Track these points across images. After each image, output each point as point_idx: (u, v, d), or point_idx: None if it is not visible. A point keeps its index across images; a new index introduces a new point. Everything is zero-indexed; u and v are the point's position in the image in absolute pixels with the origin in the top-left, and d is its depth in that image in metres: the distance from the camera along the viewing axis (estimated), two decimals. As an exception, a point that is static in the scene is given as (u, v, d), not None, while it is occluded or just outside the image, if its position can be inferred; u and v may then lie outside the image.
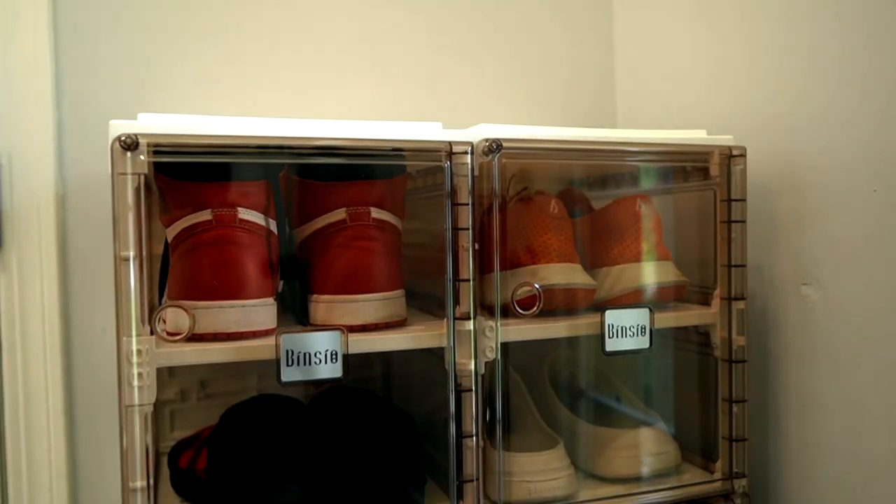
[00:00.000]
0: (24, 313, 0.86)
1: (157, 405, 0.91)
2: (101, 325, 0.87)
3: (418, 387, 0.84)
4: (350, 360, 0.63)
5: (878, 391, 0.70)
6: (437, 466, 0.72)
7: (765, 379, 0.83)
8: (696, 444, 0.82)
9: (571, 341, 0.92)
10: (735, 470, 0.76)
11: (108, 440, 0.89)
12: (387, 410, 0.80)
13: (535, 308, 0.68)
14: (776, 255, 0.82)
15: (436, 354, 0.68)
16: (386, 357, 0.95)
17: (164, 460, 0.81)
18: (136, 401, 0.58)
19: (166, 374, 0.92)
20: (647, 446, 0.78)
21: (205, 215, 0.63)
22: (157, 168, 0.65)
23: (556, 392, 0.86)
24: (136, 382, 0.58)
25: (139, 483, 0.58)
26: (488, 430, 0.69)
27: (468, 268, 0.66)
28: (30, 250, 0.86)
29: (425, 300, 0.76)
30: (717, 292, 0.77)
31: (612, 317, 0.70)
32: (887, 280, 0.69)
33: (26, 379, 0.86)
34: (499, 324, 0.68)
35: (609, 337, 0.70)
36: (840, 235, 0.74)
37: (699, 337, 0.81)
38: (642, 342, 0.71)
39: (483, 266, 0.68)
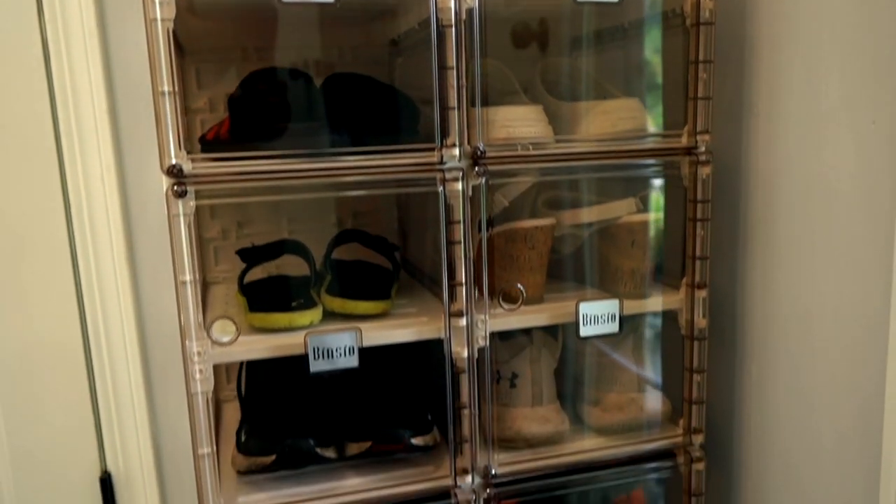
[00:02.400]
0: (65, 23, 0.96)
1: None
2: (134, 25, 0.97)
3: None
4: None
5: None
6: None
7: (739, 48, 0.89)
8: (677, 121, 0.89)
9: (562, 49, 0.99)
10: (699, 128, 0.84)
11: (149, 132, 1.01)
12: (387, 88, 0.89)
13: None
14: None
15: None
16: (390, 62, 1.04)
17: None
18: (159, 15, 0.68)
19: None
20: (622, 112, 0.86)
21: None
22: None
23: (546, 87, 0.93)
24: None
25: (166, 87, 0.69)
26: (470, 95, 0.78)
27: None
28: (66, -38, 0.95)
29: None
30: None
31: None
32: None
33: (73, 82, 0.97)
34: (477, -27, 0.75)
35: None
36: None
37: (677, 18, 0.87)
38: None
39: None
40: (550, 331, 0.91)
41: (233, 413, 0.99)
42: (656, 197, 0.88)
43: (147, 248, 1.04)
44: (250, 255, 0.91)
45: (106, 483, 1.07)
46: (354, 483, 0.82)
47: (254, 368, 0.92)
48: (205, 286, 1.04)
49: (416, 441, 0.82)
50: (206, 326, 0.74)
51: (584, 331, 0.83)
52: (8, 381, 1.02)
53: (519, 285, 0.82)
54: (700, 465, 0.91)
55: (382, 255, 0.97)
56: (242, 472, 0.82)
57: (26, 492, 1.05)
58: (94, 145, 0.99)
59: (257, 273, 0.94)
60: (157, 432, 1.08)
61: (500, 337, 0.89)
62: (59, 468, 1.06)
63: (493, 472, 0.83)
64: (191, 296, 0.73)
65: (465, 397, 0.81)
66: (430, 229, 0.94)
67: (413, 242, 1.07)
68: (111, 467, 1.07)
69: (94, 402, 1.05)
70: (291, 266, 0.97)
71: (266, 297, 0.83)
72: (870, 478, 0.77)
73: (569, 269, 0.97)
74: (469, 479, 0.83)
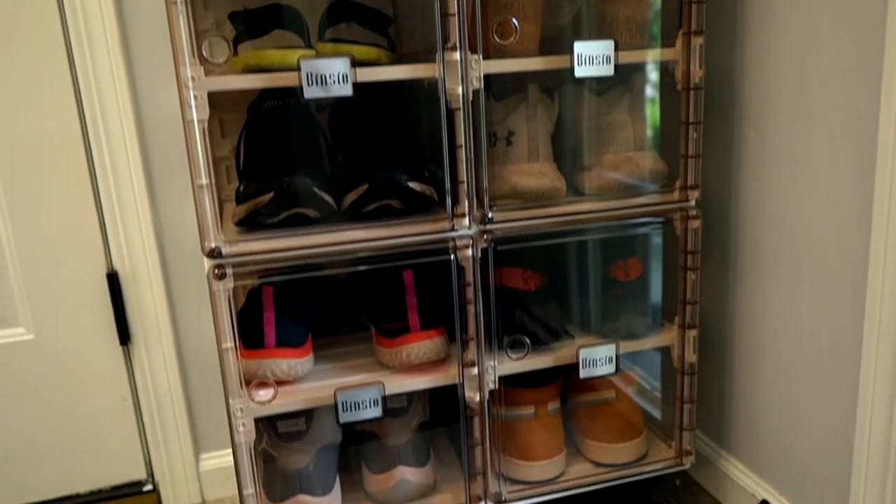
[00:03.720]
0: None
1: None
2: None
3: None
4: None
5: None
6: None
7: None
8: None
9: None
10: None
11: None
12: None
13: None
14: None
15: None
16: None
17: None
18: None
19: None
20: None
21: None
22: None
23: None
24: None
25: None
26: None
27: None
28: None
29: None
30: None
31: None
32: None
33: None
34: None
35: None
36: None
37: None
38: None
39: None
40: (547, 93, 0.91)
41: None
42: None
43: (142, 40, 1.04)
44: (242, 19, 0.90)
45: (113, 279, 1.09)
46: (353, 232, 0.83)
47: (252, 135, 0.92)
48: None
49: (412, 185, 0.83)
50: (199, 49, 0.74)
51: (579, 71, 0.82)
52: (10, 177, 1.03)
53: (514, 20, 0.81)
54: (696, 223, 0.91)
55: (376, 32, 0.96)
56: (242, 221, 0.83)
57: (36, 289, 1.07)
58: (82, -74, 0.98)
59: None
60: (161, 231, 1.09)
61: (495, 96, 0.89)
62: (67, 266, 1.08)
63: (490, 216, 0.84)
64: (182, 18, 0.72)
65: (460, 139, 0.81)
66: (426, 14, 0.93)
67: (406, 41, 1.06)
68: (117, 266, 1.09)
69: (97, 200, 1.06)
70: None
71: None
72: (862, 231, 0.77)
73: (567, 43, 0.96)
74: (466, 221, 0.84)
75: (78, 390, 1.12)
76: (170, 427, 1.16)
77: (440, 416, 1.00)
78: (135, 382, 1.14)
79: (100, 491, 1.17)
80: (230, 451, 1.20)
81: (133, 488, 1.18)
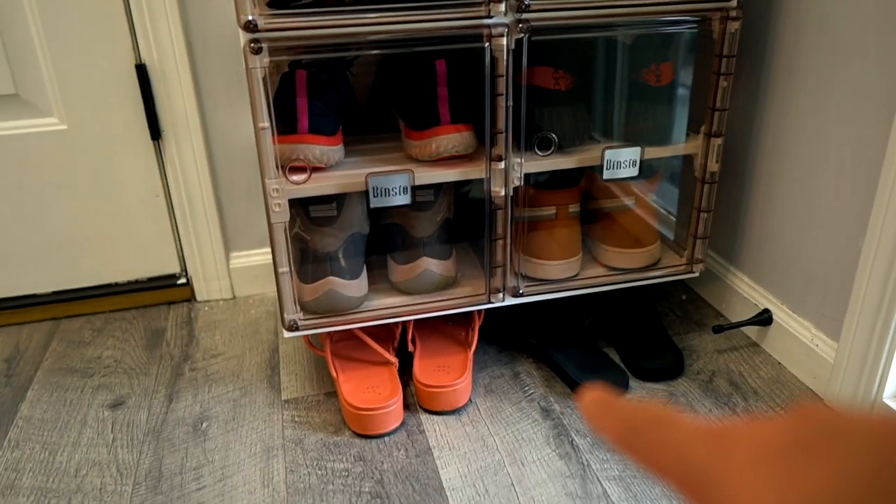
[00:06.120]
0: None
1: None
2: None
3: None
4: None
5: None
6: None
7: None
8: None
9: None
10: None
11: None
12: None
13: None
14: None
15: None
16: None
17: None
18: None
19: None
20: None
21: None
22: None
23: None
24: None
25: None
26: None
27: None
28: None
29: None
30: None
31: None
32: None
33: None
34: None
35: None
36: None
37: None
38: None
39: None
40: None
41: None
42: None
43: None
44: None
45: (142, 71, 1.09)
46: (387, 14, 0.81)
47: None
48: None
49: (448, -35, 0.81)
50: None
51: None
52: (33, -42, 1.01)
53: None
54: (735, 25, 0.89)
55: None
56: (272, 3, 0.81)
57: (67, 79, 1.08)
58: None
59: None
60: (188, 24, 1.08)
61: None
62: (96, 56, 1.07)
63: (527, 3, 0.82)
64: None
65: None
66: None
67: None
68: (146, 58, 1.08)
69: (123, -13, 1.05)
70: None
71: None
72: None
73: None
74: (502, 7, 0.82)
75: (111, 184, 1.16)
76: (201, 224, 1.20)
77: (464, 222, 1.03)
78: (167, 179, 1.17)
79: (136, 281, 1.24)
80: (259, 251, 1.26)
81: (168, 280, 1.25)
